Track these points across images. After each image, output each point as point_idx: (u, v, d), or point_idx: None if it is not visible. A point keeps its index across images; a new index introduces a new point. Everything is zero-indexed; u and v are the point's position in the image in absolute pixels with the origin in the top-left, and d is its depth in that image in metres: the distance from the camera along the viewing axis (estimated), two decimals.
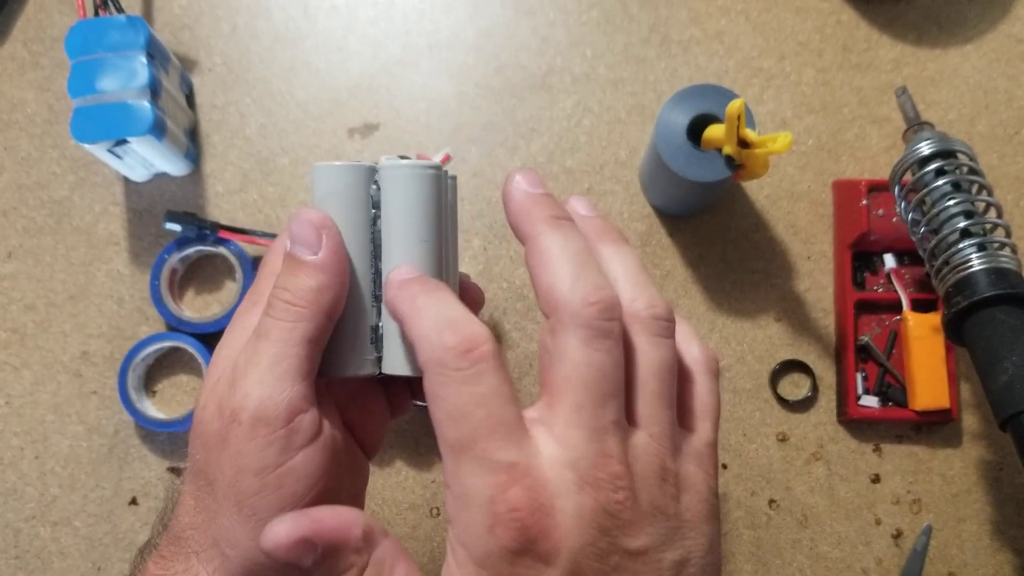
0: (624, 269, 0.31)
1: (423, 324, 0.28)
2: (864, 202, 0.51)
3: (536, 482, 0.26)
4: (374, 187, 0.32)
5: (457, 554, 0.27)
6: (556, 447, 0.27)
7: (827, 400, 0.53)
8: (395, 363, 0.33)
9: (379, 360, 0.33)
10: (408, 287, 0.30)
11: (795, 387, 0.54)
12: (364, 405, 0.36)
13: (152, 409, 0.53)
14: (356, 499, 0.36)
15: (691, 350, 0.33)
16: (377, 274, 0.33)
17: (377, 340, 0.33)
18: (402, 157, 0.33)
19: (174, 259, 0.53)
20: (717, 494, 0.31)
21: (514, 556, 0.26)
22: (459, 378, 0.27)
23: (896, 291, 0.52)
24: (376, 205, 0.32)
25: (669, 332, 0.30)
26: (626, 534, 0.27)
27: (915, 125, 0.49)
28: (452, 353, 0.27)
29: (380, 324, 0.33)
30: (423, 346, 0.28)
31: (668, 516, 0.28)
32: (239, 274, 0.53)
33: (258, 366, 0.30)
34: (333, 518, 0.29)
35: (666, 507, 0.28)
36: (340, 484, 0.33)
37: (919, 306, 0.52)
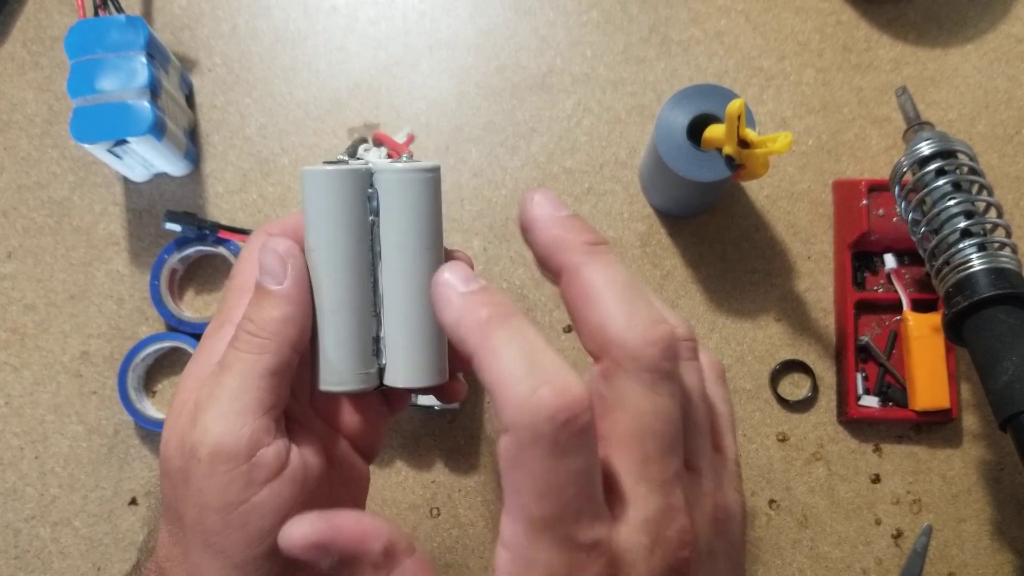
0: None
1: (507, 368, 0.24)
2: (864, 202, 0.51)
3: (613, 558, 0.24)
4: (370, 190, 0.31)
5: None
6: (626, 508, 0.25)
7: (827, 400, 0.53)
8: (401, 375, 0.31)
9: (380, 372, 0.32)
10: (476, 310, 0.25)
11: (795, 387, 0.54)
12: (359, 408, 0.35)
13: (152, 409, 0.53)
14: (355, 508, 0.35)
15: (702, 356, 0.30)
16: (376, 283, 0.31)
17: (378, 351, 0.32)
18: (376, 144, 0.32)
19: (174, 259, 0.53)
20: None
21: None
22: (557, 451, 0.23)
23: (896, 291, 0.52)
24: (374, 211, 0.31)
25: (697, 354, 0.28)
26: None
27: (915, 125, 0.49)
28: (551, 423, 0.23)
29: (382, 335, 0.32)
30: (510, 401, 0.23)
31: (715, 555, 0.27)
32: None
33: (219, 400, 0.29)
34: (353, 527, 0.27)
35: (716, 547, 0.27)
36: (336, 495, 0.33)
37: (919, 306, 0.52)
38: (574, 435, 0.23)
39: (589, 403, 0.23)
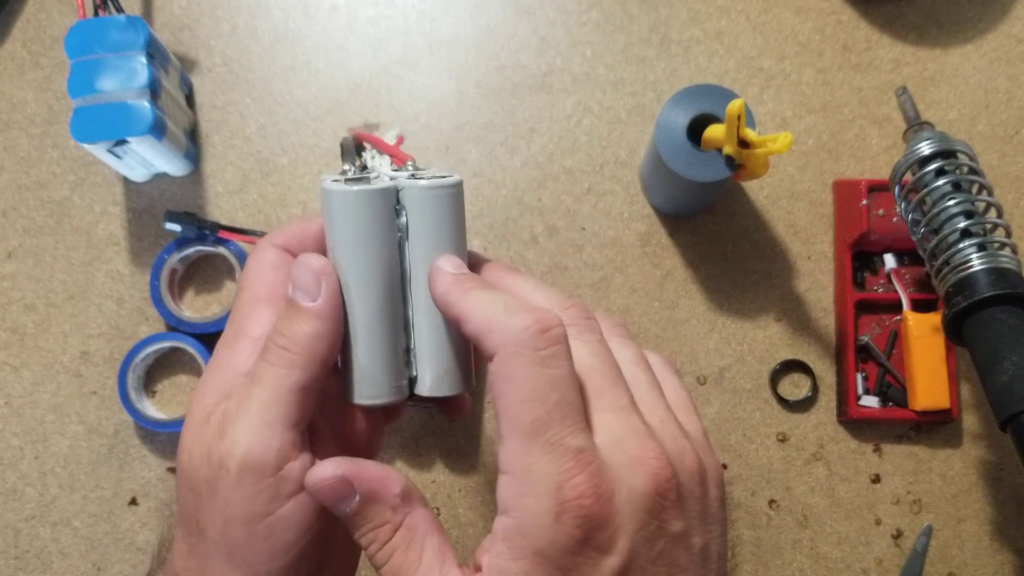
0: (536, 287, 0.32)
1: (490, 310, 0.28)
2: (864, 202, 0.51)
3: (599, 468, 0.26)
4: (397, 206, 0.31)
5: (513, 544, 0.26)
6: (596, 434, 0.27)
7: (827, 400, 0.53)
8: (433, 385, 0.32)
9: (411, 382, 0.33)
10: (461, 283, 0.30)
11: (795, 387, 0.54)
12: (365, 416, 0.36)
13: (152, 409, 0.53)
14: None
15: (649, 356, 0.33)
16: (406, 296, 0.32)
17: (409, 363, 0.32)
18: (358, 144, 0.32)
19: (174, 259, 0.53)
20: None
21: (578, 546, 0.26)
22: (537, 359, 0.26)
23: (896, 291, 0.52)
24: (402, 228, 0.31)
25: (596, 326, 0.31)
26: (671, 516, 0.27)
27: (915, 125, 0.49)
28: (529, 333, 0.27)
29: (412, 346, 0.32)
30: (493, 329, 0.27)
31: (696, 499, 0.29)
32: (239, 274, 0.53)
33: (248, 412, 0.29)
34: (376, 469, 0.29)
35: (694, 491, 0.29)
36: None
37: (919, 306, 0.52)
38: (551, 344, 0.27)
39: (558, 320, 0.27)
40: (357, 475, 0.29)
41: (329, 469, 0.29)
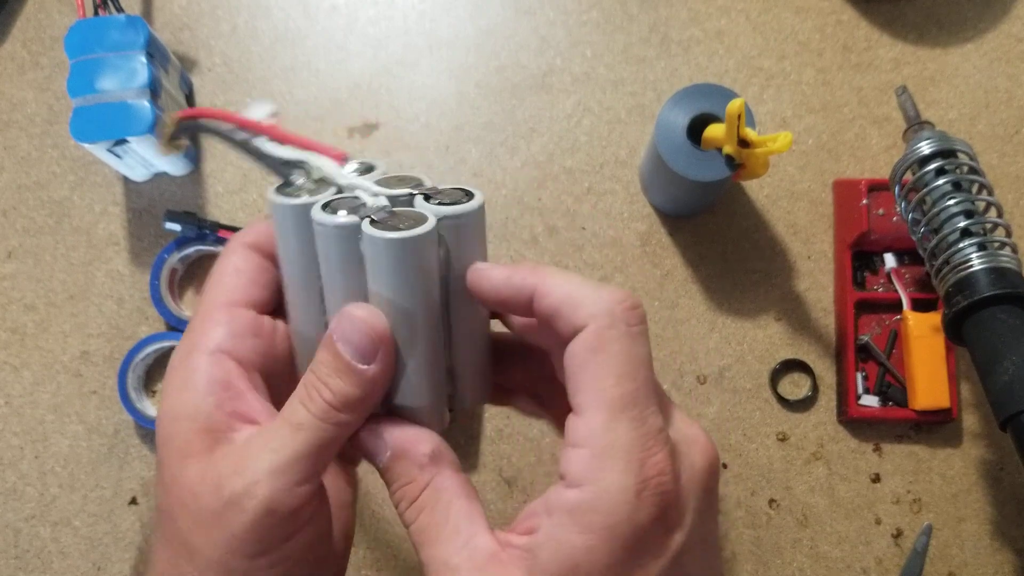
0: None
1: (571, 283, 0.28)
2: (864, 202, 0.51)
3: (673, 448, 0.27)
4: (439, 235, 0.29)
5: (580, 518, 0.26)
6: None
7: (827, 400, 0.53)
8: (469, 398, 0.32)
9: (450, 399, 0.32)
10: (519, 266, 0.29)
11: (795, 387, 0.54)
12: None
13: (152, 409, 0.53)
14: (349, 509, 0.35)
15: None
16: (448, 324, 0.31)
17: (451, 382, 0.32)
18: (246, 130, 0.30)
19: (174, 259, 0.53)
20: None
21: (653, 523, 0.26)
22: (630, 334, 0.27)
23: (896, 291, 0.52)
24: (445, 258, 0.30)
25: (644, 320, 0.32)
26: (716, 494, 0.29)
27: (915, 124, 0.49)
28: (623, 307, 0.27)
29: (452, 367, 0.32)
30: (585, 300, 0.27)
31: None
32: None
33: (276, 454, 0.28)
34: (407, 428, 0.30)
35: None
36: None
37: (919, 306, 0.52)
38: (640, 320, 0.27)
39: (641, 302, 0.28)
40: (389, 429, 0.29)
41: (363, 430, 0.29)
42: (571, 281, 0.28)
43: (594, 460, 0.26)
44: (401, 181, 0.31)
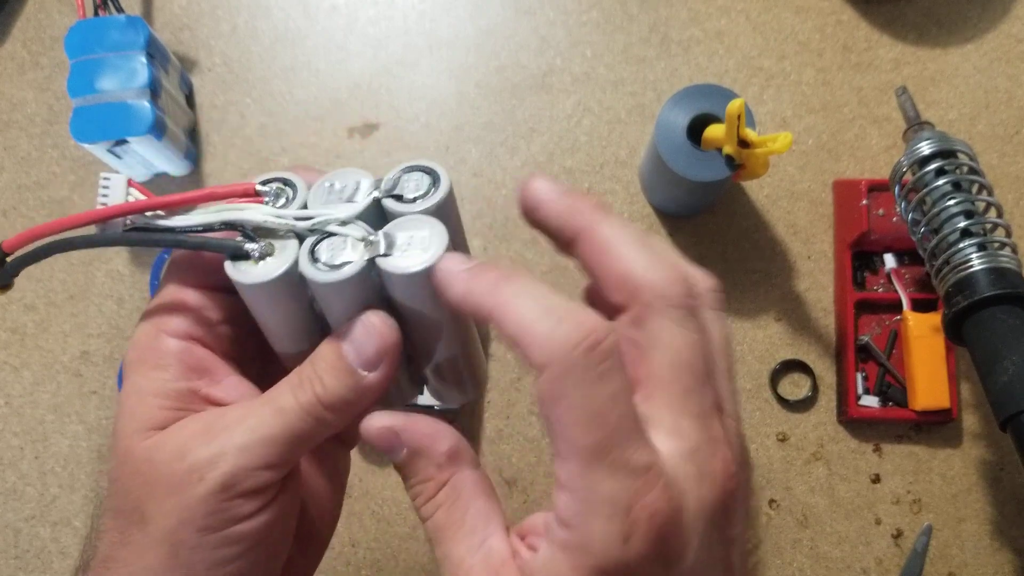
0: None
1: (525, 314, 0.25)
2: (864, 202, 0.51)
3: (668, 483, 0.25)
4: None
5: (572, 555, 0.25)
6: (671, 440, 0.25)
7: (827, 400, 0.53)
8: (460, 396, 0.33)
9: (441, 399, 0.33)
10: (481, 276, 0.26)
11: (795, 387, 0.54)
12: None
13: None
14: (337, 493, 0.35)
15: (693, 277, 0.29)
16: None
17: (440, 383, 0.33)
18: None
19: None
20: None
21: (646, 563, 0.24)
22: (592, 377, 0.24)
23: (896, 291, 0.52)
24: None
25: (722, 303, 0.29)
26: (729, 523, 0.26)
27: (915, 125, 0.49)
28: (580, 352, 0.24)
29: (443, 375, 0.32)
30: (536, 340, 0.24)
31: (747, 498, 0.28)
32: None
33: (252, 432, 0.28)
34: (426, 425, 0.29)
35: (748, 493, 0.28)
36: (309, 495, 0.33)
37: (919, 306, 0.52)
38: (603, 359, 0.24)
39: (608, 328, 0.25)
40: (405, 428, 0.28)
41: (380, 420, 0.28)
42: (529, 311, 0.25)
43: (579, 505, 0.25)
44: (411, 171, 0.30)
